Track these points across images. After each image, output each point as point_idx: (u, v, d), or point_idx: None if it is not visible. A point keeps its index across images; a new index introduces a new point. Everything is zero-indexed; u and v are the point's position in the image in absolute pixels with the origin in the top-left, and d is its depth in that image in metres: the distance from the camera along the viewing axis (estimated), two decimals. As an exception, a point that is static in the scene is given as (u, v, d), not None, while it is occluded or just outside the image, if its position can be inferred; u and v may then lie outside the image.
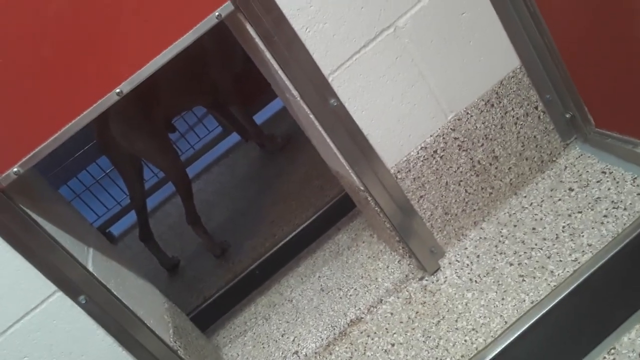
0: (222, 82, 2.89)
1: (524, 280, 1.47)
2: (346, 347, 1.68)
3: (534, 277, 1.46)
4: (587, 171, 1.63)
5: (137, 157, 2.59)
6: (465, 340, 1.44)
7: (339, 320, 1.76)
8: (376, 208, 1.61)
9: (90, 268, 1.47)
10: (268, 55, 1.40)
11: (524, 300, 1.42)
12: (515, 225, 1.64)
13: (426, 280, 1.69)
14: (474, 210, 1.71)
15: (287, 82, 1.43)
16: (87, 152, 3.73)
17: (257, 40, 1.38)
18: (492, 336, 1.40)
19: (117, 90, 1.30)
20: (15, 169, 1.29)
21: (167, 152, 2.54)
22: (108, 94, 1.30)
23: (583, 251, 1.43)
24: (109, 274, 1.57)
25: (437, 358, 1.45)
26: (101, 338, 1.47)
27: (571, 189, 1.62)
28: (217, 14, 1.32)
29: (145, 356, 1.52)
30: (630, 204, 1.45)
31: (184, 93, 2.74)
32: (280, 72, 1.42)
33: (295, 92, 1.44)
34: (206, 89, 2.88)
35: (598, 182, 1.58)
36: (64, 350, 1.45)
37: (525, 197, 1.70)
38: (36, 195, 1.53)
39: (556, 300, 1.34)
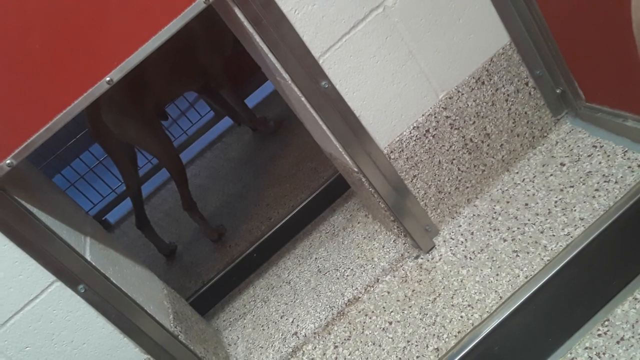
0: (213, 67, 2.88)
1: (517, 255, 1.49)
2: (345, 327, 1.70)
3: (528, 252, 1.47)
4: (578, 146, 1.64)
5: (130, 144, 2.59)
6: (462, 317, 1.46)
7: (337, 300, 1.78)
8: (370, 189, 1.62)
9: (88, 257, 1.48)
10: (257, 38, 1.39)
11: (519, 276, 1.44)
12: (508, 202, 1.65)
13: (421, 258, 1.71)
14: (467, 187, 1.72)
15: (278, 65, 1.43)
16: (80, 140, 3.72)
17: (246, 24, 1.37)
18: (487, 312, 1.42)
19: (107, 79, 1.30)
20: (8, 161, 1.29)
21: (159, 139, 2.53)
22: (98, 83, 1.29)
23: (575, 225, 1.45)
24: (107, 262, 1.58)
25: (434, 335, 1.47)
26: (102, 326, 1.48)
27: (562, 164, 1.63)
28: (204, -2, 1.31)
29: (146, 342, 1.54)
30: (621, 177, 1.46)
31: (175, 79, 2.73)
32: (270, 55, 1.41)
33: (285, 75, 1.44)
34: (196, 74, 2.87)
35: (589, 156, 1.59)
36: (65, 339, 1.47)
37: (517, 173, 1.72)
38: (31, 186, 1.53)
39: (550, 275, 1.36)
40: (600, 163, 1.54)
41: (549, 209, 1.54)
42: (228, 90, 3.12)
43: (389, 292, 1.69)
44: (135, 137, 2.49)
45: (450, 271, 1.60)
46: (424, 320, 1.53)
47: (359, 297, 1.75)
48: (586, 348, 1.29)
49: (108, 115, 2.36)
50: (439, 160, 1.65)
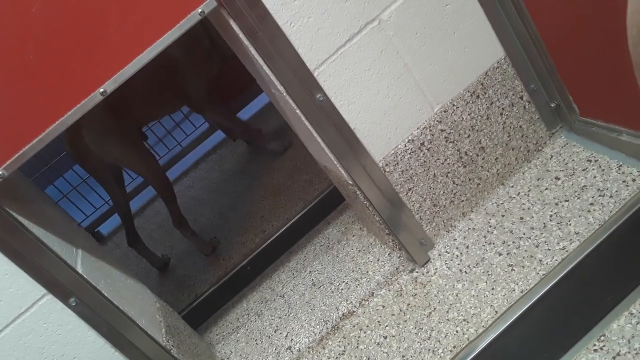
0: (194, 92, 2.76)
1: (513, 269, 1.48)
2: (339, 341, 1.68)
3: (523, 267, 1.47)
4: (573, 160, 1.64)
5: (114, 164, 2.56)
6: (457, 331, 1.45)
7: (331, 314, 1.77)
8: (365, 202, 1.61)
9: (80, 270, 1.46)
10: (252, 51, 1.39)
11: (514, 290, 1.43)
12: (503, 215, 1.65)
13: (416, 272, 1.70)
14: (462, 201, 1.71)
15: (273, 78, 1.42)
16: (73, 151, 3.70)
17: (241, 36, 1.37)
18: (483, 326, 1.41)
19: (101, 90, 1.29)
20: (-1, 172, 1.28)
21: (143, 158, 2.50)
22: (92, 94, 1.29)
23: (571, 239, 1.44)
24: (99, 275, 1.56)
25: (429, 349, 1.46)
26: (93, 340, 1.46)
27: (557, 178, 1.63)
28: (200, 10, 1.31)
29: (138, 357, 1.52)
30: (616, 191, 1.46)
31: (157, 100, 2.68)
32: (265, 67, 1.41)
33: (281, 88, 1.44)
34: (177, 98, 2.77)
35: (584, 170, 1.59)
36: (56, 353, 1.44)
37: (512, 186, 1.71)
38: (22, 197, 1.51)
39: (545, 289, 1.35)
40: (595, 177, 1.54)
41: (544, 223, 1.53)
42: (212, 112, 2.98)
43: (383, 306, 1.68)
44: (119, 157, 2.46)
45: (446, 285, 1.59)
46: (419, 334, 1.52)
47: (354, 311, 1.74)
48: (582, 363, 1.28)
49: (89, 136, 2.34)
50: (434, 174, 1.64)
